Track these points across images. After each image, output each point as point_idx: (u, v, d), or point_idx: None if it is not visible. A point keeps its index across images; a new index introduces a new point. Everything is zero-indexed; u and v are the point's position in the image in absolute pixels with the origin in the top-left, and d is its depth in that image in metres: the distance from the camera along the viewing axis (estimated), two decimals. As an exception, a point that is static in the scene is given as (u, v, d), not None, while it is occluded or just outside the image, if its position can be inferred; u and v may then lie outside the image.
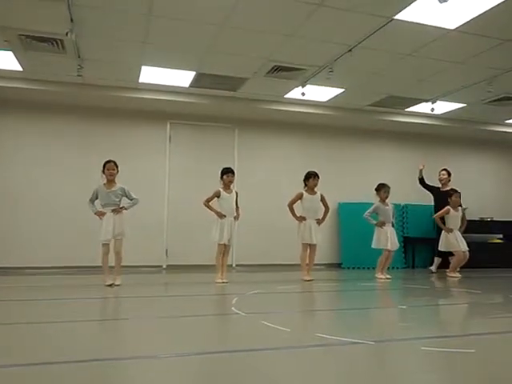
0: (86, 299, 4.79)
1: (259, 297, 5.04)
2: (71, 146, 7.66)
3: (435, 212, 7.74)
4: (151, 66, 6.30)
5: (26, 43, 5.50)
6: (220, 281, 5.99)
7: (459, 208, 7.37)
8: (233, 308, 4.20)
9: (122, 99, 7.38)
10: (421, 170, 8.16)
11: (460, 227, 7.31)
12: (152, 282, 6.49)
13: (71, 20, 4.82)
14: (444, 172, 8.13)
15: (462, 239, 7.23)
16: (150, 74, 6.60)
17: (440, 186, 8.16)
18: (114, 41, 5.48)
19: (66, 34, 4.89)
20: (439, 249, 7.40)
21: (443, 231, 7.29)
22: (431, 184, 8.20)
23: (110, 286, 5.45)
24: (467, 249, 7.22)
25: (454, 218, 7.29)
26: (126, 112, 7.88)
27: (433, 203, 8.17)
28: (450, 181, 8.08)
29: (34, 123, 7.54)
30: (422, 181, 8.19)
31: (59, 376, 2.32)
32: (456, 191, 7.38)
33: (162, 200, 7.99)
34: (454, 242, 7.17)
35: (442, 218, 7.33)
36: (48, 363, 2.50)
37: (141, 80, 6.84)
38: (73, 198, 7.36)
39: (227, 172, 6.20)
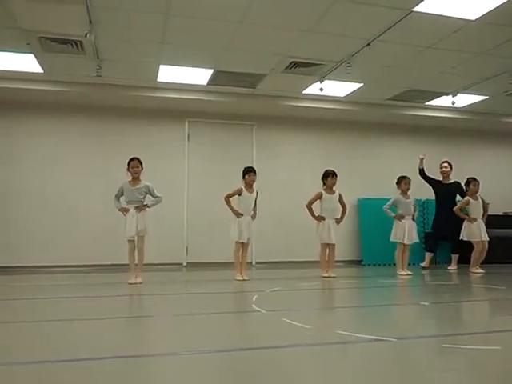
0: (110, 297, 4.86)
1: (279, 294, 5.04)
2: (91, 145, 7.77)
3: (436, 206, 7.67)
4: (169, 64, 6.34)
5: (46, 45, 5.59)
6: (240, 278, 6.01)
7: (478, 196, 7.24)
8: (253, 305, 4.21)
9: (140, 98, 7.45)
10: (421, 161, 7.77)
11: (482, 216, 7.20)
12: (173, 279, 6.55)
13: (90, 21, 4.88)
14: (446, 164, 7.87)
15: (484, 229, 7.12)
16: (169, 73, 6.64)
17: (441, 178, 7.88)
18: (132, 40, 5.53)
19: (86, 35, 4.96)
20: (461, 238, 7.27)
21: (465, 221, 7.18)
22: (432, 176, 7.90)
23: (133, 284, 5.52)
24: (487, 239, 7.10)
25: (475, 206, 7.17)
26: (145, 111, 7.95)
27: (458, 198, 8.03)
28: (451, 173, 7.85)
29: (54, 124, 7.66)
30: (422, 172, 7.82)
31: (84, 371, 2.37)
32: (474, 179, 7.23)
33: (181, 199, 8.04)
34: (477, 231, 7.06)
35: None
36: (73, 360, 2.54)
37: (159, 79, 6.90)
38: (93, 198, 7.47)
39: (249, 171, 6.20)
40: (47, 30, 5.19)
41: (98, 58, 5.93)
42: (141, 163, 5.75)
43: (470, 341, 3.05)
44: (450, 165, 7.91)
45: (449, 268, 7.69)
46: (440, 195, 7.73)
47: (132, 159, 5.75)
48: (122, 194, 5.73)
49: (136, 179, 5.74)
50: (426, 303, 4.67)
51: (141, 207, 5.65)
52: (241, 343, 3.01)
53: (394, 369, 2.48)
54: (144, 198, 5.74)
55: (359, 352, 2.81)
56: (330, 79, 6.77)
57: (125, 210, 5.64)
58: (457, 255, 7.71)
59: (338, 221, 6.51)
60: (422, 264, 7.75)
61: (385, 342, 2.96)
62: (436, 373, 2.44)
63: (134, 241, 5.66)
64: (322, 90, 6.78)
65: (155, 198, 5.80)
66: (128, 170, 5.74)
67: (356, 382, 2.28)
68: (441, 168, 7.87)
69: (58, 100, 7.45)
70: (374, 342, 3.00)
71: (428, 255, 7.81)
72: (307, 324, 3.40)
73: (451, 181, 7.74)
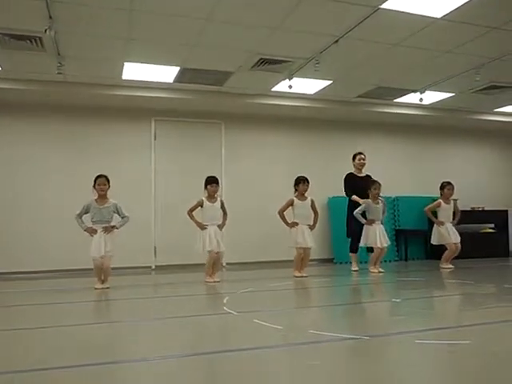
0: (77, 303, 4.76)
1: (251, 295, 5.06)
2: (52, 146, 7.57)
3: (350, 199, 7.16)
4: (134, 62, 6.24)
5: (3, 42, 5.43)
6: (211, 280, 5.98)
7: (451, 200, 7.40)
8: (224, 307, 4.20)
9: (104, 97, 7.32)
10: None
11: (453, 219, 7.35)
12: (141, 283, 6.47)
13: (50, 17, 4.76)
14: (363, 156, 7.32)
15: (455, 231, 7.27)
16: (134, 71, 6.55)
17: (355, 172, 7.33)
18: (95, 37, 5.42)
19: (45, 31, 4.83)
20: (431, 242, 7.44)
21: (435, 224, 7.34)
22: (350, 182, 7.25)
23: (99, 289, 5.44)
24: (459, 241, 7.26)
25: (445, 210, 7.32)
26: (110, 110, 7.81)
27: (424, 195, 8.22)
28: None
29: (12, 124, 7.44)
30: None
31: (50, 381, 2.31)
32: (449, 183, 7.36)
33: (148, 200, 7.95)
34: (446, 234, 7.20)
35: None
36: (39, 369, 2.48)
37: (124, 77, 6.79)
38: (57, 200, 7.31)
39: (211, 182, 6.16)
40: (4, 25, 5.04)
41: (59, 54, 5.79)
42: (108, 181, 5.63)
43: (442, 336, 3.13)
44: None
45: (352, 269, 7.16)
46: (359, 189, 7.06)
47: (99, 176, 5.63)
48: (86, 213, 5.58)
49: (103, 197, 5.61)
50: (398, 300, 4.76)
51: (109, 228, 5.55)
52: (212, 346, 3.00)
53: (367, 367, 2.52)
54: (111, 217, 5.63)
55: (332, 351, 2.84)
56: (298, 76, 6.81)
57: (92, 231, 5.50)
58: (354, 254, 7.22)
59: (311, 227, 6.56)
60: (354, 268, 7.15)
61: (357, 340, 3.00)
62: (409, 368, 2.49)
63: (100, 260, 5.50)
64: (290, 87, 6.81)
65: (123, 218, 5.70)
66: (94, 187, 5.61)
67: (329, 381, 2.30)
68: (359, 160, 7.29)
69: (18, 99, 7.24)
70: (347, 341, 3.04)
71: (353, 256, 7.22)
72: (279, 325, 3.41)
73: (364, 174, 7.35)
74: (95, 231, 5.50)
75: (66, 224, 7.18)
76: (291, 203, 6.55)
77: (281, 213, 6.53)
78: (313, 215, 6.62)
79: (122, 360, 2.68)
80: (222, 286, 5.86)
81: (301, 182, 6.55)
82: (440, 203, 7.32)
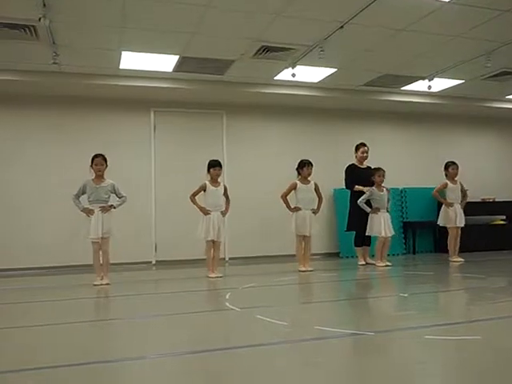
0: (75, 300, 4.77)
1: (254, 290, 5.05)
2: (48, 138, 7.55)
3: (352, 191, 7.14)
4: (132, 51, 6.21)
5: (-4, 31, 5.40)
6: (213, 275, 5.99)
7: (457, 180, 7.39)
8: (227, 303, 4.20)
9: (102, 87, 7.30)
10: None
11: (461, 201, 7.35)
12: (141, 279, 6.48)
13: (44, 5, 4.73)
14: (367, 148, 7.30)
15: (462, 215, 7.28)
16: (131, 60, 6.51)
17: (357, 163, 7.31)
18: (91, 25, 5.39)
19: (39, 19, 4.81)
20: (438, 223, 7.43)
21: (443, 206, 7.33)
22: (352, 173, 7.25)
23: (98, 285, 5.44)
24: (463, 225, 7.27)
25: (452, 191, 7.32)
26: (107, 101, 7.79)
27: (432, 186, 8.15)
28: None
29: (7, 116, 7.42)
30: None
31: (48, 379, 2.32)
32: (454, 163, 7.37)
33: (149, 193, 7.94)
34: (453, 217, 7.22)
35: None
36: (37, 368, 2.48)
37: (121, 66, 6.76)
38: (52, 194, 7.30)
39: (214, 165, 6.17)
40: (-3, 14, 5.02)
41: (53, 44, 5.76)
42: (105, 160, 5.64)
43: (451, 331, 3.12)
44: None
45: (359, 263, 7.14)
46: (360, 181, 7.08)
47: (96, 156, 5.63)
48: (84, 193, 5.61)
49: (100, 177, 5.63)
50: (406, 294, 4.74)
51: (107, 208, 5.56)
52: (214, 343, 2.99)
53: (374, 363, 2.51)
54: (109, 197, 5.65)
55: (338, 348, 2.83)
56: (302, 64, 6.76)
57: (89, 212, 5.52)
58: (360, 248, 7.21)
59: (314, 211, 6.55)
60: (360, 262, 7.13)
61: (364, 335, 2.99)
62: (417, 365, 2.47)
63: (98, 242, 5.56)
64: (294, 75, 6.76)
65: (120, 197, 5.72)
66: (91, 167, 5.62)
67: (335, 378, 2.29)
68: (362, 153, 7.27)
69: (11, 90, 7.22)
70: (353, 337, 3.03)
71: (359, 250, 7.23)
72: (283, 321, 3.41)
73: (365, 166, 7.31)
74: (92, 212, 5.50)
75: (62, 218, 7.21)
76: (294, 187, 6.54)
77: (283, 197, 6.53)
78: (317, 200, 6.60)
79: (121, 358, 2.68)
80: (224, 281, 5.86)
81: (305, 166, 6.55)
82: (447, 184, 7.32)
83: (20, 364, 2.59)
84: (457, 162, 7.47)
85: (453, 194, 7.31)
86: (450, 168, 7.37)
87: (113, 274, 5.89)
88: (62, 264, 7.25)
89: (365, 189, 6.94)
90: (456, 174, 7.37)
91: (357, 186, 7.06)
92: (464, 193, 7.41)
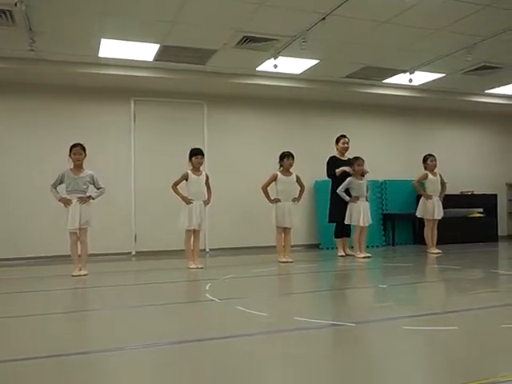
0: (53, 291, 4.72)
1: (234, 281, 5.06)
2: (24, 128, 7.40)
3: (333, 182, 7.18)
4: (111, 38, 6.11)
5: (-30, 15, 5.27)
6: (194, 266, 5.98)
7: (436, 173, 7.49)
8: (207, 294, 4.20)
9: (80, 75, 7.17)
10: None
11: (440, 193, 7.45)
12: (121, 269, 6.44)
13: (20, -11, 4.63)
14: (347, 139, 7.38)
15: (440, 208, 7.39)
16: (111, 48, 6.41)
17: (338, 155, 7.36)
18: (69, 11, 5.28)
19: (15, 4, 4.70)
20: (416, 214, 7.53)
21: (422, 197, 7.43)
22: (334, 165, 7.25)
23: (77, 276, 5.39)
24: (440, 217, 7.38)
25: (432, 183, 7.42)
26: (86, 89, 7.66)
27: (412, 178, 8.26)
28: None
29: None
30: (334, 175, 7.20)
31: (23, 373, 2.29)
32: (431, 155, 7.48)
33: (128, 183, 7.86)
34: (431, 209, 7.33)
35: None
36: (11, 360, 2.45)
37: (101, 54, 6.65)
38: (29, 184, 7.19)
39: (196, 154, 6.14)
40: (-29, -3, 4.89)
41: (30, 30, 5.64)
42: (84, 150, 5.58)
43: (429, 322, 3.17)
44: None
45: (339, 254, 7.18)
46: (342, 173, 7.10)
47: (74, 145, 5.56)
48: (61, 183, 5.54)
49: (78, 167, 5.56)
50: (385, 286, 4.81)
51: (85, 199, 5.50)
52: (194, 334, 2.99)
53: (353, 354, 2.53)
54: (87, 188, 5.59)
55: (317, 338, 2.86)
56: (284, 55, 6.75)
57: (67, 202, 5.45)
58: (340, 239, 7.27)
59: (295, 199, 6.58)
60: (340, 253, 7.18)
61: (344, 326, 3.02)
62: (396, 355, 2.51)
63: (76, 233, 5.51)
64: (276, 66, 6.75)
65: (98, 189, 5.67)
66: (70, 156, 5.55)
67: (315, 368, 2.31)
68: (343, 144, 7.33)
69: (-14, 77, 7.07)
70: (332, 327, 3.06)
71: (339, 241, 7.29)
72: (263, 312, 3.42)
73: (346, 158, 7.33)
74: (70, 202, 5.44)
75: (41, 208, 7.11)
76: (275, 178, 6.58)
77: (264, 188, 6.57)
78: (297, 191, 6.64)
79: (99, 349, 2.66)
80: (204, 272, 5.86)
81: (285, 157, 6.59)
82: (427, 174, 7.41)
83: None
84: (436, 154, 7.57)
85: (432, 186, 7.41)
86: (429, 160, 7.46)
87: (91, 264, 5.84)
88: (41, 254, 7.16)
89: (346, 168, 7.01)
90: (435, 166, 7.46)
91: (337, 170, 7.09)
92: (443, 185, 7.51)
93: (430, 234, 7.42)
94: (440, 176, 7.50)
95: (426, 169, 7.47)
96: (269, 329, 3.05)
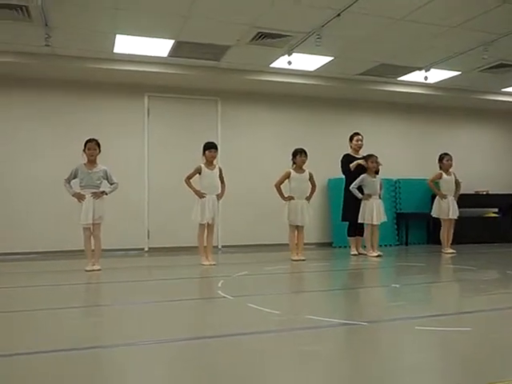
0: (67, 285, 4.76)
1: (246, 279, 5.06)
2: (40, 122, 7.47)
3: (347, 180, 7.14)
4: (126, 34, 6.14)
5: (-13, 11, 5.32)
6: (207, 263, 5.98)
7: (451, 172, 7.42)
8: (219, 291, 4.20)
9: (95, 71, 7.21)
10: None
11: (455, 193, 7.38)
12: (133, 265, 6.47)
13: (36, -16, 4.66)
14: (361, 137, 7.33)
15: (456, 207, 7.31)
16: (126, 44, 6.44)
17: (352, 153, 7.31)
18: (84, 7, 5.31)
19: (32, -1, 4.73)
20: (431, 214, 7.47)
21: (437, 197, 7.36)
22: (348, 162, 7.19)
23: (90, 271, 5.43)
24: (456, 217, 7.31)
25: (447, 182, 7.34)
26: (101, 85, 7.71)
27: (426, 177, 8.18)
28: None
29: None
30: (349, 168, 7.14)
31: (35, 367, 2.31)
32: (447, 154, 7.40)
33: (141, 179, 7.90)
34: (446, 209, 7.25)
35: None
36: (28, 353, 2.48)
37: (115, 50, 6.68)
38: (46, 178, 7.25)
39: (210, 147, 6.13)
40: (-13, -7, 4.94)
41: (46, 25, 5.67)
42: (98, 145, 5.61)
43: (442, 322, 3.14)
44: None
45: (351, 253, 7.16)
46: (356, 170, 7.06)
47: (89, 140, 5.60)
48: (75, 177, 5.58)
49: (92, 162, 5.60)
50: (398, 285, 4.77)
51: (98, 194, 5.53)
52: (206, 331, 3.00)
53: (365, 353, 2.52)
54: (101, 183, 5.62)
55: (330, 337, 2.84)
56: (298, 52, 6.72)
57: (80, 197, 5.48)
58: (353, 238, 7.25)
59: (306, 198, 6.55)
60: (353, 252, 7.16)
61: (356, 325, 3.00)
62: (408, 355, 2.49)
63: (89, 228, 5.55)
64: (290, 63, 6.72)
65: (112, 184, 5.70)
66: (84, 151, 5.59)
67: (327, 367, 2.30)
68: (356, 141, 7.30)
69: (2, 72, 7.13)
70: (345, 326, 3.04)
71: (352, 240, 7.27)
72: (275, 309, 3.41)
73: (360, 156, 7.27)
74: (83, 197, 5.47)
75: (55, 203, 7.17)
76: (288, 176, 6.53)
77: (277, 185, 6.53)
78: (310, 189, 6.61)
79: (111, 344, 2.68)
80: (217, 269, 5.87)
81: (298, 154, 6.54)
82: (441, 174, 7.34)
83: (10, 349, 2.58)
84: (451, 153, 7.49)
85: (447, 185, 7.34)
86: (445, 160, 7.38)
87: (104, 260, 5.87)
88: (55, 249, 7.22)
89: (360, 161, 6.99)
90: (450, 166, 7.39)
91: (352, 164, 7.05)
92: (458, 185, 7.44)
93: (446, 234, 7.35)
94: (454, 175, 7.42)
95: (441, 168, 7.40)
96: (281, 327, 3.05)
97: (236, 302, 3.82)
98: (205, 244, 6.10)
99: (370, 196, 6.87)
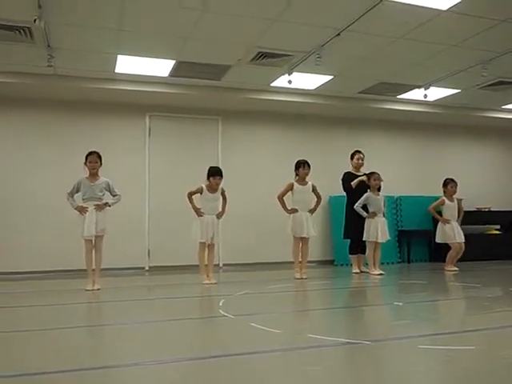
0: (67, 305, 4.73)
1: (248, 297, 5.02)
2: (42, 142, 7.51)
3: (349, 198, 7.16)
4: (128, 54, 6.21)
5: (-10, 32, 5.38)
6: (208, 282, 5.95)
7: (455, 198, 7.40)
8: (220, 310, 4.17)
9: (97, 91, 7.28)
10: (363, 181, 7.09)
11: (457, 218, 7.36)
12: (134, 284, 6.44)
13: (39, 6, 4.71)
14: (362, 156, 7.33)
15: (460, 230, 7.28)
16: (127, 64, 6.51)
17: (353, 171, 7.33)
18: (86, 28, 5.38)
19: (34, 21, 4.78)
20: (436, 240, 7.45)
21: (440, 223, 7.33)
22: (349, 180, 7.19)
23: (90, 290, 5.40)
24: (463, 240, 7.26)
25: (450, 208, 7.32)
26: (102, 105, 7.77)
27: (428, 194, 8.21)
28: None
29: (1, 119, 7.39)
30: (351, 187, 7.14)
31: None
32: (453, 180, 7.39)
33: (142, 198, 7.91)
34: (451, 233, 7.21)
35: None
36: (28, 374, 2.45)
37: (117, 70, 6.75)
38: (47, 196, 7.26)
39: (215, 174, 6.06)
40: (-10, 15, 5.00)
41: (49, 46, 5.74)
42: (100, 158, 5.62)
43: (446, 341, 3.11)
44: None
45: (353, 271, 7.13)
46: (357, 188, 7.04)
47: (90, 153, 5.61)
48: (78, 191, 5.58)
49: (94, 175, 5.61)
50: (400, 303, 4.74)
51: (101, 206, 5.53)
52: (206, 351, 2.97)
53: (368, 373, 2.49)
54: (103, 195, 5.62)
55: (332, 356, 2.81)
56: (299, 71, 6.78)
57: (83, 210, 5.47)
58: (355, 256, 7.21)
59: (311, 210, 6.51)
60: (354, 270, 7.12)
61: (359, 344, 2.97)
62: (412, 374, 2.46)
63: (91, 241, 5.53)
64: (290, 82, 6.77)
65: (114, 196, 5.70)
66: (85, 164, 5.60)
67: (329, 388, 2.27)
68: (357, 159, 7.31)
69: (5, 92, 7.19)
70: (347, 346, 3.01)
71: (354, 258, 7.22)
72: (277, 328, 3.38)
73: (362, 173, 7.28)
74: (86, 209, 5.46)
75: (55, 223, 7.16)
76: (291, 188, 6.49)
77: (280, 197, 6.47)
78: (314, 201, 6.56)
79: (112, 365, 2.65)
80: (218, 287, 5.83)
81: (301, 166, 6.51)
82: (444, 201, 7.32)
83: (6, 370, 2.55)
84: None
85: (449, 211, 7.30)
86: (449, 186, 7.36)
87: (104, 279, 5.84)
88: (54, 268, 7.20)
89: (362, 178, 6.98)
90: (454, 192, 7.36)
91: (354, 181, 7.05)
92: (460, 210, 7.41)
93: (455, 255, 7.30)
94: (457, 201, 7.40)
95: (445, 193, 7.37)
96: (283, 346, 3.02)
97: (237, 321, 3.79)
98: (206, 262, 6.08)
99: (375, 214, 6.85)
